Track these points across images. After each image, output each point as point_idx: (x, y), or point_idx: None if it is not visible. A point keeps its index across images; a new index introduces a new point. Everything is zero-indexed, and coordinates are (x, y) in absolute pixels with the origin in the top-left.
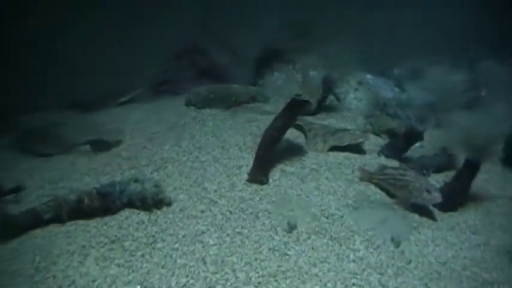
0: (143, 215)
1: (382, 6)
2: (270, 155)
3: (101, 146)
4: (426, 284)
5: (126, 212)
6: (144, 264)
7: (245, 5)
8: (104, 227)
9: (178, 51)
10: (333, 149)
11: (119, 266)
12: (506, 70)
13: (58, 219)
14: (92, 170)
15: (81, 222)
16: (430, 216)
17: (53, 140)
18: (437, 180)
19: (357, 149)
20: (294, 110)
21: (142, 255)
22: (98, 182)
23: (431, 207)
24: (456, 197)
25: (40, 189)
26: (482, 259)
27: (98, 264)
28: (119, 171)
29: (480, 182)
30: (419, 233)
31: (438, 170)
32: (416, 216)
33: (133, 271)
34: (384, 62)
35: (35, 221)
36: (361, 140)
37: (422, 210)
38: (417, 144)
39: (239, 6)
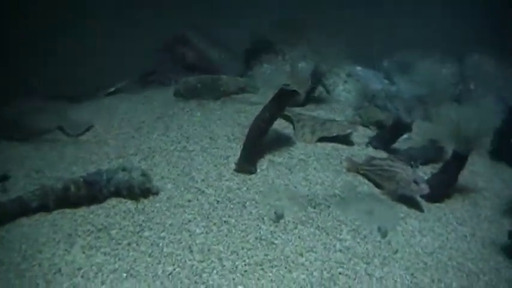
0: (130, 204)
1: (381, 5)
2: (258, 145)
3: (70, 132)
4: (412, 274)
5: (113, 201)
6: (131, 253)
7: (245, 5)
8: (91, 216)
9: (167, 42)
10: (321, 139)
11: (105, 254)
12: (499, 66)
13: (45, 207)
14: (80, 159)
15: (68, 210)
16: (417, 207)
17: (23, 126)
18: (425, 171)
19: (345, 140)
20: (282, 100)
21: (129, 244)
22: (85, 171)
23: (419, 198)
24: (443, 189)
25: (27, 178)
26: (469, 250)
27: (84, 253)
28: (106, 160)
29: (468, 174)
30: (406, 224)
31: (426, 161)
32: (403, 207)
33: (119, 259)
34: (375, 54)
35: (22, 209)
36: (349, 131)
37: (409, 201)
38: (405, 136)
39: (239, 6)
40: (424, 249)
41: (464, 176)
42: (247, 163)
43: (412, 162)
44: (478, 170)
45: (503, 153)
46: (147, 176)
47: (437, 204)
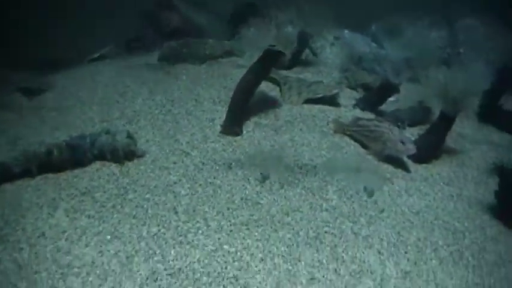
0: (114, 167)
1: None
2: (244, 106)
3: (30, 93)
4: (399, 232)
5: (97, 165)
6: (115, 215)
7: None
8: (75, 180)
9: (151, 8)
10: (308, 101)
11: (89, 217)
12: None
13: (28, 172)
14: (63, 124)
15: (51, 175)
16: (404, 167)
17: None
18: (412, 133)
19: (331, 101)
20: (268, 61)
21: (113, 206)
22: (69, 136)
23: (406, 159)
24: (431, 150)
25: (9, 145)
26: (455, 209)
27: (68, 216)
28: (91, 124)
29: (455, 136)
30: (392, 184)
31: (413, 123)
32: (390, 168)
33: (103, 222)
34: (363, 18)
35: (5, 174)
36: (335, 91)
37: (396, 162)
38: (392, 99)
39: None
40: (411, 209)
41: (452, 138)
42: (233, 125)
43: (399, 124)
44: (465, 132)
45: (491, 116)
46: (133, 138)
47: (424, 165)
